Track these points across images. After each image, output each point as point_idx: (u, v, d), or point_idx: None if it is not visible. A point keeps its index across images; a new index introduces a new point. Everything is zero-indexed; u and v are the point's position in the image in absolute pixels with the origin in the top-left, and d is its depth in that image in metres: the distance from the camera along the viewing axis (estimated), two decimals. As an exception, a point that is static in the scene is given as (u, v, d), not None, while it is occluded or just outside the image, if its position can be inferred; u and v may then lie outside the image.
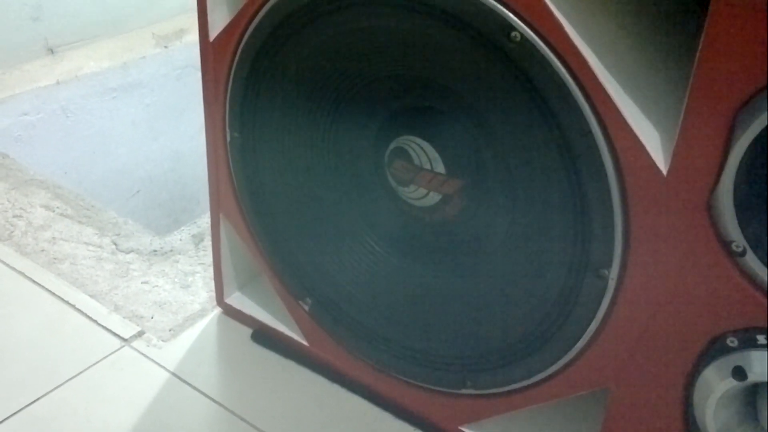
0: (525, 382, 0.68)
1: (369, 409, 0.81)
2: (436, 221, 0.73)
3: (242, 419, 0.80)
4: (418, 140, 0.71)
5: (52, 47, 1.65)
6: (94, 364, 0.85)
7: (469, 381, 0.72)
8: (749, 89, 0.49)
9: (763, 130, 0.49)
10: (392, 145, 0.73)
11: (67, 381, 0.82)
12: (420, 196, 0.73)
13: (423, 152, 0.71)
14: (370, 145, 0.75)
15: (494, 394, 0.71)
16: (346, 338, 0.80)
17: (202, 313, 0.93)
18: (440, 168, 0.70)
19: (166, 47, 1.84)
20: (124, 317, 0.92)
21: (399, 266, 0.77)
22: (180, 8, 1.87)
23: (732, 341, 0.56)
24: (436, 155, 0.70)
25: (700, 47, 0.49)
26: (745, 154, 0.50)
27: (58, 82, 1.56)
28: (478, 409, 0.73)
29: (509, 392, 0.70)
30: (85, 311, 0.92)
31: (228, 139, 0.80)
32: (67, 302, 0.94)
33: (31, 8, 1.57)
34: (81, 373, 0.83)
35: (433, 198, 0.72)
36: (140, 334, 0.90)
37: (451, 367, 0.73)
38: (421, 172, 0.71)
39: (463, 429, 0.75)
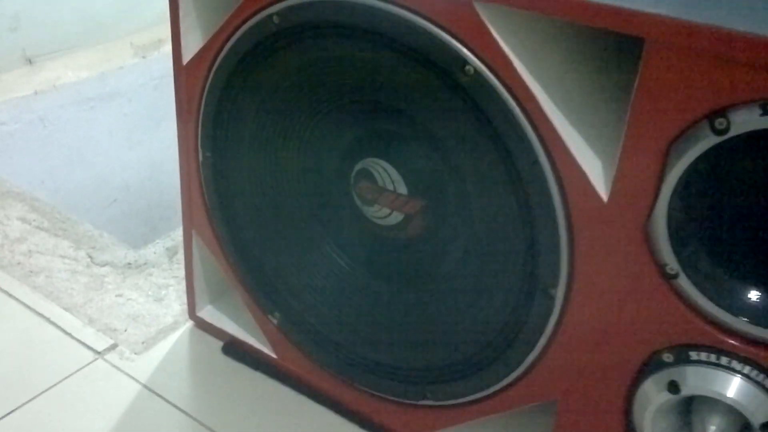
0: (480, 394, 0.72)
1: (335, 420, 0.84)
2: (399, 240, 0.77)
3: (212, 431, 0.82)
4: (382, 162, 0.74)
5: (30, 57, 1.67)
6: (68, 377, 0.87)
7: (429, 393, 0.75)
8: (680, 124, 0.53)
9: (693, 162, 0.53)
10: (358, 167, 0.76)
11: (41, 393, 0.85)
12: (384, 215, 0.76)
13: (386, 174, 0.74)
14: (337, 167, 0.78)
15: (452, 405, 0.74)
16: (313, 351, 0.83)
17: (174, 326, 0.96)
18: (402, 189, 0.73)
19: (144, 57, 1.87)
20: (97, 330, 0.94)
21: (364, 282, 0.80)
22: (158, 18, 1.89)
23: (668, 357, 0.59)
24: (399, 177, 0.73)
25: (635, 85, 0.53)
26: (678, 183, 0.54)
27: (35, 92, 1.57)
28: (438, 419, 0.77)
29: (466, 403, 0.73)
30: (59, 324, 0.95)
31: (200, 158, 0.83)
32: (41, 315, 0.96)
33: (9, 19, 1.59)
34: (55, 385, 0.86)
35: (396, 217, 0.75)
36: (113, 346, 0.92)
37: (412, 379, 0.76)
38: (384, 192, 0.75)
39: (423, 438, 0.79)
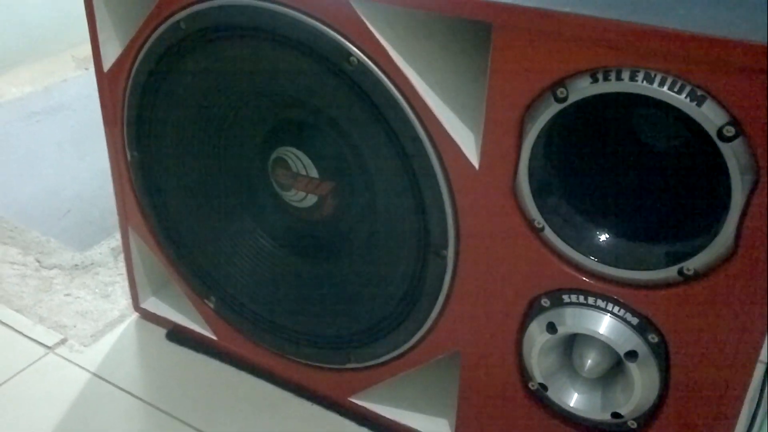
0: (397, 352, 0.79)
1: (273, 391, 0.91)
2: (315, 220, 0.84)
3: (161, 410, 0.89)
4: (294, 150, 0.81)
5: (-28, 76, 1.70)
6: (21, 371, 0.93)
7: (352, 356, 0.83)
8: (529, 95, 0.60)
9: (544, 127, 0.61)
10: (273, 155, 0.83)
11: (-5, 388, 0.91)
12: (300, 198, 0.83)
13: (299, 160, 0.81)
14: (255, 156, 0.85)
15: (373, 366, 0.82)
16: (248, 329, 0.90)
17: (121, 319, 1.02)
18: (314, 173, 0.81)
19: (86, 69, 1.91)
20: (48, 327, 1.00)
21: (287, 261, 0.87)
22: (98, 30, 1.92)
23: (545, 302, 0.67)
24: (310, 162, 0.81)
25: (489, 65, 0.61)
26: (534, 147, 0.62)
27: (-20, 110, 1.61)
28: (362, 380, 0.84)
29: (385, 362, 0.81)
30: (11, 324, 1.00)
31: (128, 158, 0.89)
32: (-7, 318, 1.01)
33: (-51, 39, 1.62)
34: (8, 380, 0.91)
35: (311, 200, 0.82)
36: (63, 341, 0.98)
37: (337, 346, 0.83)
38: (298, 177, 0.82)
39: (352, 399, 0.86)
